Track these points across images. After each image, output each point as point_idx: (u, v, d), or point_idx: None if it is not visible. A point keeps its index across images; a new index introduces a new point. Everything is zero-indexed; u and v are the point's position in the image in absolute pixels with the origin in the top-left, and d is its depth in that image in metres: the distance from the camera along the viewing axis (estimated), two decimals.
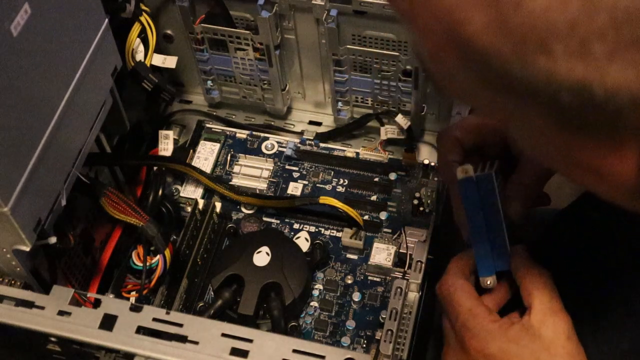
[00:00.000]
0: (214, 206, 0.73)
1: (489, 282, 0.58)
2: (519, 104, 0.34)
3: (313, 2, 0.72)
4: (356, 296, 0.70)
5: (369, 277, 0.72)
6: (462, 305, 0.55)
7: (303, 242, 0.73)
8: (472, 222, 0.57)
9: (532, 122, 0.35)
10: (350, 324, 0.69)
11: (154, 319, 0.57)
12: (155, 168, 0.76)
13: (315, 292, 0.71)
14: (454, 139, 0.58)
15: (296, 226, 0.76)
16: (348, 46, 0.74)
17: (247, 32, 0.75)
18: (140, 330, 0.57)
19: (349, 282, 0.72)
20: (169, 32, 0.81)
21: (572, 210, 0.82)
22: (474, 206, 0.56)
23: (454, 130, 0.58)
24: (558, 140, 0.36)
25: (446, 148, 0.58)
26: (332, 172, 0.79)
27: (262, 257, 0.70)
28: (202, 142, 0.81)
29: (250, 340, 0.56)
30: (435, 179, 0.75)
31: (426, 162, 0.78)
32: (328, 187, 0.78)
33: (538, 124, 0.35)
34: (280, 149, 0.81)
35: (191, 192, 0.77)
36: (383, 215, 0.75)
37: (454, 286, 0.57)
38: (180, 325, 0.57)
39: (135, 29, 0.72)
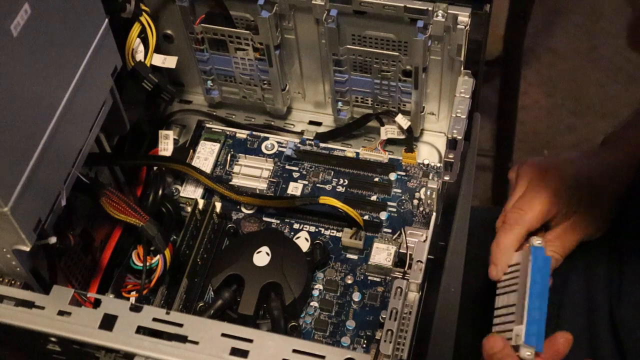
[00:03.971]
0: (214, 206, 0.73)
1: (528, 354, 0.60)
2: None
3: (313, 2, 0.72)
4: (356, 296, 0.70)
5: (369, 277, 0.72)
6: None
7: (303, 242, 0.73)
8: (535, 289, 0.63)
9: None
10: (350, 324, 0.69)
11: (154, 319, 0.57)
12: (155, 168, 0.76)
13: (315, 292, 0.71)
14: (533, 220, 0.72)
15: (296, 226, 0.76)
16: (348, 46, 0.74)
17: (247, 32, 0.75)
18: (140, 330, 0.57)
19: (349, 282, 0.72)
20: (169, 32, 0.81)
21: None
22: (541, 274, 0.64)
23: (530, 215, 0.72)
24: None
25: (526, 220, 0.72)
26: (332, 172, 0.79)
27: (262, 257, 0.70)
28: (202, 142, 0.81)
29: (250, 340, 0.56)
30: (436, 179, 0.75)
31: (426, 162, 0.78)
32: (328, 187, 0.78)
33: None
34: (280, 149, 0.81)
35: (191, 192, 0.77)
36: (383, 215, 0.75)
37: None
38: (180, 325, 0.57)
39: (135, 29, 0.72)
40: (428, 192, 0.71)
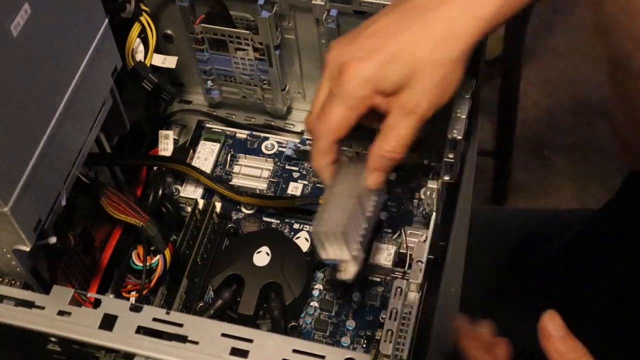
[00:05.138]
0: (214, 206, 0.73)
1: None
2: None
3: (313, 2, 0.72)
4: (356, 296, 0.70)
5: (369, 277, 0.72)
6: None
7: (303, 242, 0.73)
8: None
9: None
10: (350, 324, 0.69)
11: (154, 319, 0.57)
12: (155, 168, 0.76)
13: (315, 292, 0.71)
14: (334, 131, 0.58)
15: (296, 226, 0.76)
16: None
17: (247, 32, 0.75)
18: (140, 330, 0.57)
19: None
20: (169, 32, 0.81)
21: (609, 210, 0.82)
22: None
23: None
24: None
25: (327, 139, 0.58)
26: None
27: (262, 257, 0.70)
28: (202, 142, 0.81)
29: (250, 340, 0.56)
30: (435, 179, 0.75)
31: (426, 162, 0.78)
32: None
33: None
34: (280, 149, 0.81)
35: (191, 192, 0.77)
36: (383, 216, 0.75)
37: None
38: (180, 325, 0.57)
39: (135, 29, 0.72)
40: (428, 192, 0.71)
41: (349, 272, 0.60)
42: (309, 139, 0.81)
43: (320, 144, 0.58)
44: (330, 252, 0.59)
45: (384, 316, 0.67)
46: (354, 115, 0.56)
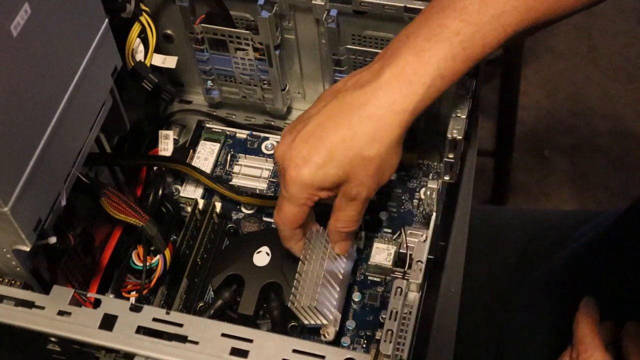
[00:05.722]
0: (214, 206, 0.73)
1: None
2: None
3: (313, 2, 0.72)
4: (356, 296, 0.70)
5: (369, 277, 0.72)
6: None
7: None
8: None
9: None
10: (350, 324, 0.69)
11: (154, 319, 0.57)
12: (155, 168, 0.76)
13: None
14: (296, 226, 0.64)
15: None
16: (348, 46, 0.74)
17: (247, 32, 0.75)
18: (140, 330, 0.57)
19: (350, 281, 0.72)
20: (169, 32, 0.81)
21: (633, 213, 0.82)
22: None
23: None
24: None
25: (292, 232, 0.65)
26: None
27: (262, 257, 0.70)
28: (202, 142, 0.81)
29: (250, 340, 0.56)
30: (435, 179, 0.75)
31: (426, 162, 0.78)
32: None
33: None
34: None
35: (191, 192, 0.77)
36: (383, 216, 0.75)
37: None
38: (180, 325, 0.57)
39: (135, 29, 0.72)
40: (428, 192, 0.71)
41: (330, 333, 0.65)
42: None
43: (283, 233, 0.64)
44: (310, 320, 0.65)
45: (384, 316, 0.68)
46: (303, 210, 0.62)
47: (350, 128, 0.57)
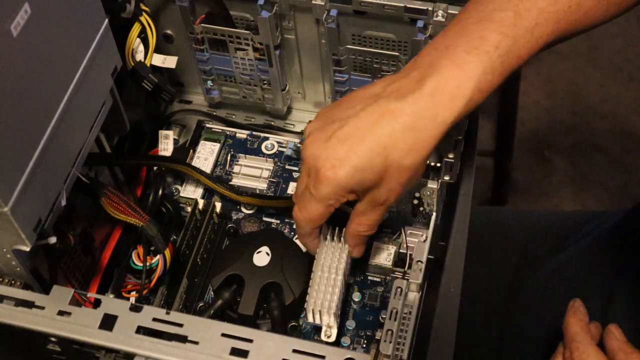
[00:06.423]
0: (214, 206, 0.73)
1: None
2: None
3: (313, 2, 0.72)
4: (356, 296, 0.70)
5: (369, 277, 0.72)
6: None
7: None
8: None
9: None
10: (350, 324, 0.69)
11: (154, 319, 0.57)
12: (155, 168, 0.76)
13: None
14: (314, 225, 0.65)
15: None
16: (348, 46, 0.74)
17: (247, 32, 0.75)
18: (140, 330, 0.57)
19: (349, 282, 0.72)
20: (169, 32, 0.81)
21: (638, 214, 0.82)
22: None
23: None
24: None
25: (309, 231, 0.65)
26: None
27: (262, 257, 0.70)
28: (202, 142, 0.81)
29: (250, 340, 0.56)
30: (436, 179, 0.75)
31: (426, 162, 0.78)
32: None
33: None
34: (280, 149, 0.81)
35: (191, 192, 0.77)
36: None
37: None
38: (180, 325, 0.57)
39: (135, 29, 0.72)
40: (428, 192, 0.71)
41: (332, 334, 0.66)
42: None
43: (303, 230, 0.65)
44: (318, 320, 0.65)
45: (384, 316, 0.68)
46: (329, 211, 0.62)
47: (391, 136, 0.57)
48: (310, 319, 0.65)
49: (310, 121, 0.63)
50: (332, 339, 0.66)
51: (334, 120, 0.60)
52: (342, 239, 0.66)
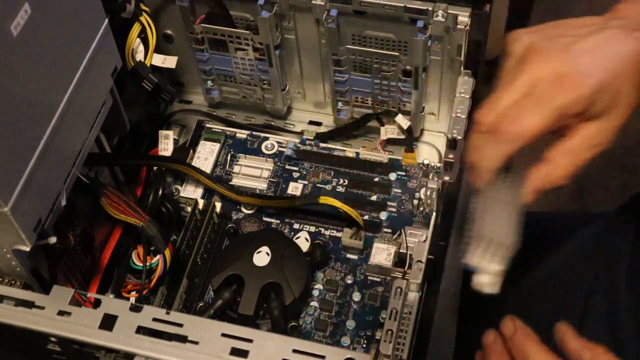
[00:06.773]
0: (214, 206, 0.73)
1: None
2: None
3: (313, 2, 0.72)
4: (356, 296, 0.70)
5: (369, 277, 0.72)
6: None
7: (303, 242, 0.73)
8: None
9: None
10: (350, 324, 0.69)
11: (154, 319, 0.57)
12: (155, 168, 0.76)
13: (315, 292, 0.71)
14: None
15: (296, 226, 0.76)
16: (348, 46, 0.74)
17: (247, 32, 0.75)
18: (140, 330, 0.57)
19: (349, 282, 0.72)
20: (169, 32, 0.81)
21: (624, 215, 0.82)
22: None
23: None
24: None
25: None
26: (332, 172, 0.79)
27: (262, 257, 0.70)
28: (202, 142, 0.81)
29: (250, 340, 0.56)
30: (435, 179, 0.75)
31: (426, 162, 0.78)
32: (328, 187, 0.78)
33: None
34: (280, 149, 0.81)
35: (191, 192, 0.77)
36: (383, 215, 0.75)
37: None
38: (180, 325, 0.57)
39: (135, 29, 0.72)
40: (428, 192, 0.71)
41: (495, 285, 0.58)
42: (309, 139, 0.81)
43: (506, 147, 0.56)
44: (487, 262, 0.57)
45: (384, 316, 0.68)
46: (544, 130, 0.54)
47: (625, 66, 0.54)
48: (471, 256, 0.58)
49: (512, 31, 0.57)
50: (496, 289, 0.57)
51: (562, 36, 0.55)
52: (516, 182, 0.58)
